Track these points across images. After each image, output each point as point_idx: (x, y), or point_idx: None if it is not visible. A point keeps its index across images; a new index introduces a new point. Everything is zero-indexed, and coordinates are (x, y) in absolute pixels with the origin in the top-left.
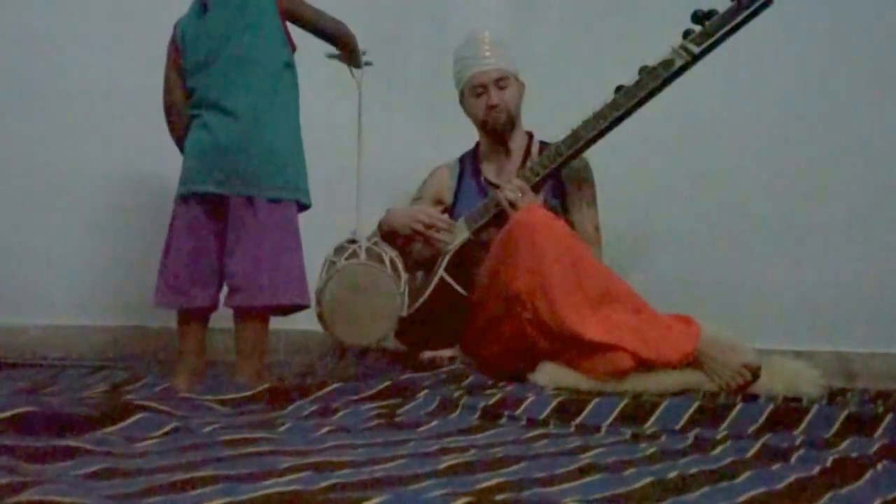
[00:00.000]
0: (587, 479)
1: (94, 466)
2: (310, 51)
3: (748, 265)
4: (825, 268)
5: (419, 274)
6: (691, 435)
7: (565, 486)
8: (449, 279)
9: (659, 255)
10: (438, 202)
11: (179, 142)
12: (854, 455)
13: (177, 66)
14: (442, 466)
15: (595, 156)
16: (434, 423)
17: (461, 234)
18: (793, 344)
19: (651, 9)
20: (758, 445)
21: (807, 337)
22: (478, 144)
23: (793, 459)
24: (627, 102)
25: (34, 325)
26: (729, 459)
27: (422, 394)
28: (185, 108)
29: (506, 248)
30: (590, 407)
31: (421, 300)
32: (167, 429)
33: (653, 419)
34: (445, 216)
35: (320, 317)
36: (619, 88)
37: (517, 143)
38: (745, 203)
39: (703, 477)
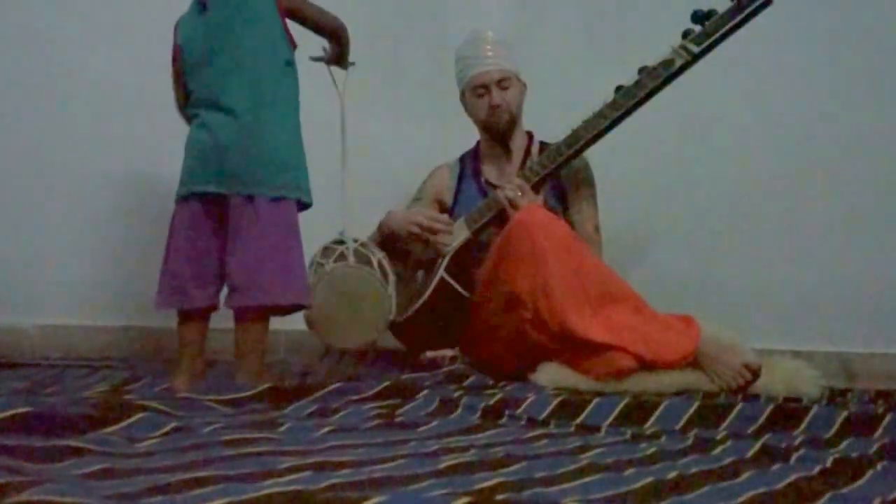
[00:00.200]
0: (587, 479)
1: (94, 466)
2: (310, 49)
3: (748, 265)
4: (825, 268)
5: (419, 274)
6: (691, 435)
7: (565, 486)
8: (449, 279)
9: (659, 255)
10: (438, 203)
11: None
12: (854, 455)
13: (178, 67)
14: (442, 466)
15: (595, 156)
16: (434, 423)
17: (461, 235)
18: (793, 344)
19: (651, 9)
20: (758, 445)
21: (807, 337)
22: (478, 144)
23: (793, 459)
24: (627, 102)
25: (34, 325)
26: (729, 459)
27: (422, 394)
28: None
29: (506, 249)
30: (590, 407)
31: (421, 300)
32: (167, 429)
33: (653, 419)
34: (445, 217)
35: (308, 320)
36: (618, 88)
37: (517, 144)
38: (746, 203)
39: (703, 477)
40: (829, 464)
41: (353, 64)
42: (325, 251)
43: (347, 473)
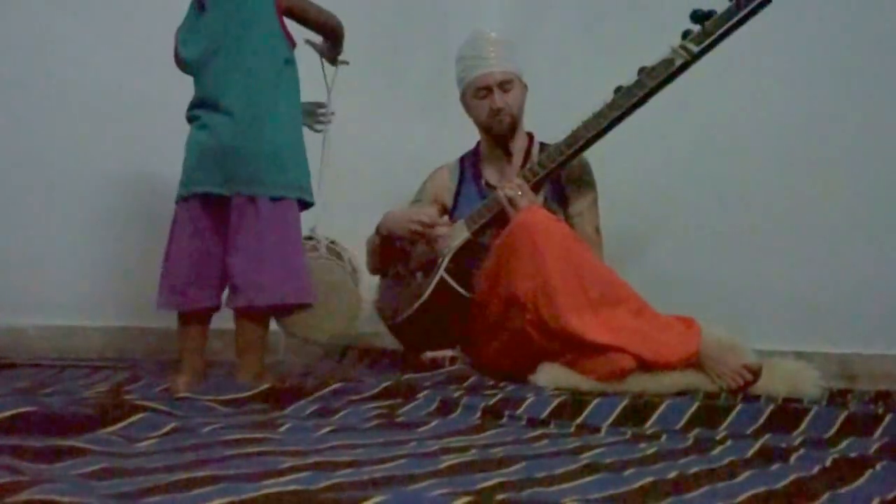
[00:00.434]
0: (587, 479)
1: (94, 466)
2: (311, 49)
3: (748, 266)
4: (825, 269)
5: (419, 274)
6: (691, 435)
7: (565, 486)
8: (449, 279)
9: (659, 255)
10: (438, 204)
11: None
12: (854, 455)
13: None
14: (442, 466)
15: (595, 156)
16: (434, 423)
17: (461, 235)
18: (793, 345)
19: (651, 9)
20: (758, 445)
21: (807, 338)
22: (478, 145)
23: (792, 459)
24: (627, 102)
25: (34, 326)
26: (729, 459)
27: (422, 394)
28: None
29: (507, 250)
30: (590, 407)
31: (421, 300)
32: (167, 429)
33: (653, 419)
34: (445, 218)
35: None
36: (618, 89)
37: (518, 145)
38: (746, 203)
39: (703, 477)
40: (828, 464)
41: (345, 63)
42: None
43: (347, 473)
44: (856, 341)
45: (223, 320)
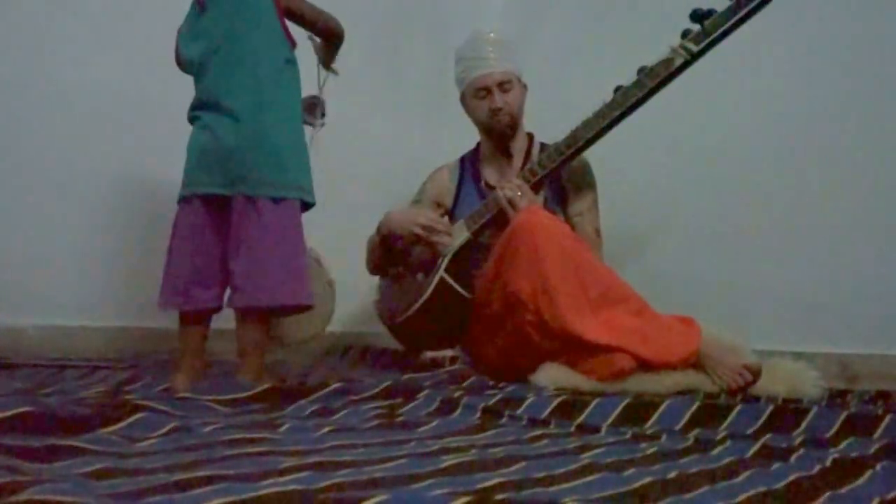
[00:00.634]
0: (587, 479)
1: (94, 466)
2: (310, 47)
3: (748, 266)
4: (825, 268)
5: (419, 275)
6: (691, 435)
7: (565, 486)
8: (449, 279)
9: (659, 255)
10: (438, 205)
11: None
12: (854, 455)
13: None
14: (442, 466)
15: (595, 156)
16: (434, 423)
17: (461, 235)
18: (793, 345)
19: (650, 8)
20: (758, 445)
21: (807, 338)
22: (478, 145)
23: (792, 459)
24: (627, 102)
25: (34, 325)
26: (729, 459)
27: (422, 394)
28: None
29: (507, 250)
30: (590, 407)
31: (421, 301)
32: (167, 429)
33: (653, 419)
34: (445, 219)
35: None
36: (618, 88)
37: (518, 146)
38: (746, 203)
39: (703, 477)
40: (828, 464)
41: (335, 73)
42: None
43: (347, 473)
44: (856, 341)
45: (223, 320)
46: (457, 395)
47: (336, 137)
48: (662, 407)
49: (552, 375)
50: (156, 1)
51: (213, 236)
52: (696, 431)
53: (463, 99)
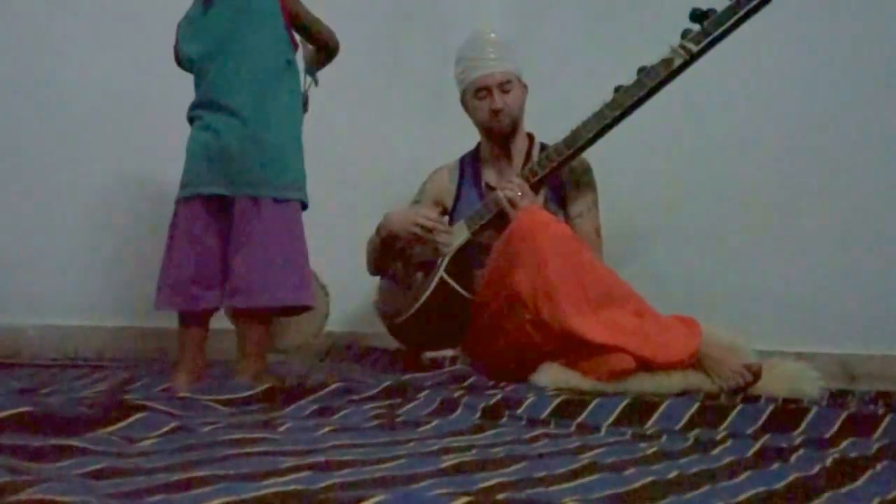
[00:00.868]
0: (587, 479)
1: (94, 466)
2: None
3: (749, 266)
4: (826, 269)
5: (419, 275)
6: (691, 435)
7: (565, 486)
8: (449, 280)
9: (659, 255)
10: (437, 205)
11: None
12: (854, 455)
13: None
14: (442, 466)
15: (595, 156)
16: (434, 423)
17: (461, 235)
18: (793, 345)
19: (650, 8)
20: (758, 445)
21: (807, 339)
22: (478, 145)
23: (792, 459)
24: (627, 102)
25: (33, 326)
26: (729, 459)
27: (422, 394)
28: None
29: (508, 250)
30: (590, 407)
31: (421, 301)
32: (167, 429)
33: (653, 419)
34: (445, 220)
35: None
36: (618, 88)
37: (518, 147)
38: (746, 204)
39: (703, 477)
40: (828, 464)
41: (314, 83)
42: None
43: (347, 473)
44: (856, 342)
45: (223, 320)
46: (457, 395)
47: (336, 137)
48: (662, 407)
49: (552, 375)
50: (156, 1)
51: (213, 236)
52: (696, 431)
53: (463, 99)
